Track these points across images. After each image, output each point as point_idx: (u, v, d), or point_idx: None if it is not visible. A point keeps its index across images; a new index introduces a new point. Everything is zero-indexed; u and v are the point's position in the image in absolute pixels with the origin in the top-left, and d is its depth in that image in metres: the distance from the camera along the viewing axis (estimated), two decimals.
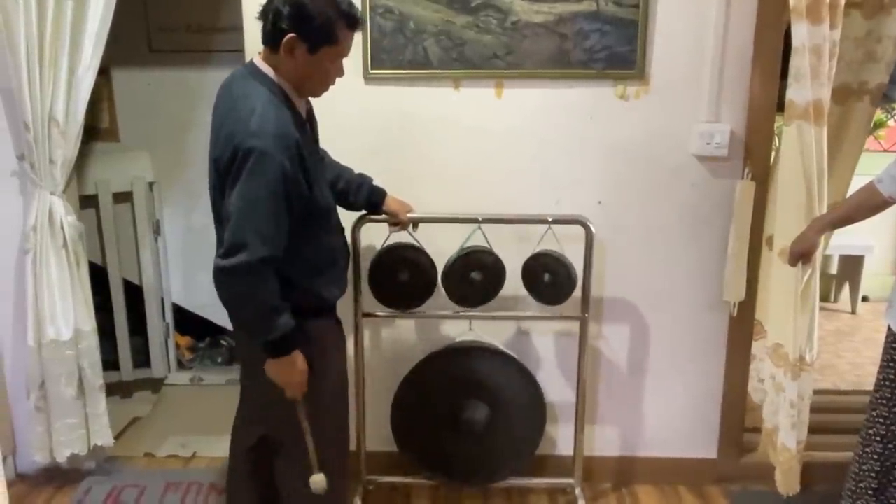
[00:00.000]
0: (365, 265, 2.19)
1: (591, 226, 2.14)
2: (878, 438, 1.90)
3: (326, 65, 1.64)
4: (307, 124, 1.76)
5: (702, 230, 2.31)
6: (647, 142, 2.25)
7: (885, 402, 1.87)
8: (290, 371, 1.68)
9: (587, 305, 2.19)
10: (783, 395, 2.18)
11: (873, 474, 1.92)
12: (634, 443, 2.50)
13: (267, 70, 1.65)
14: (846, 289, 4.35)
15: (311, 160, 1.68)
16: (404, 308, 2.23)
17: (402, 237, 2.16)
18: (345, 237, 1.92)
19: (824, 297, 4.44)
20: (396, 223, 2.11)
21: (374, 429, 2.43)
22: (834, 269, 4.40)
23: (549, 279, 2.17)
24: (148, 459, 2.65)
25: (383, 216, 2.10)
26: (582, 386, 2.27)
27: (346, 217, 2.14)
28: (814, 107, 1.97)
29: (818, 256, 2.08)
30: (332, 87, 2.15)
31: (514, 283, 2.20)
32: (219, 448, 2.59)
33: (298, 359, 1.68)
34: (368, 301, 2.24)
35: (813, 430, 2.54)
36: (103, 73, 2.26)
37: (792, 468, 2.20)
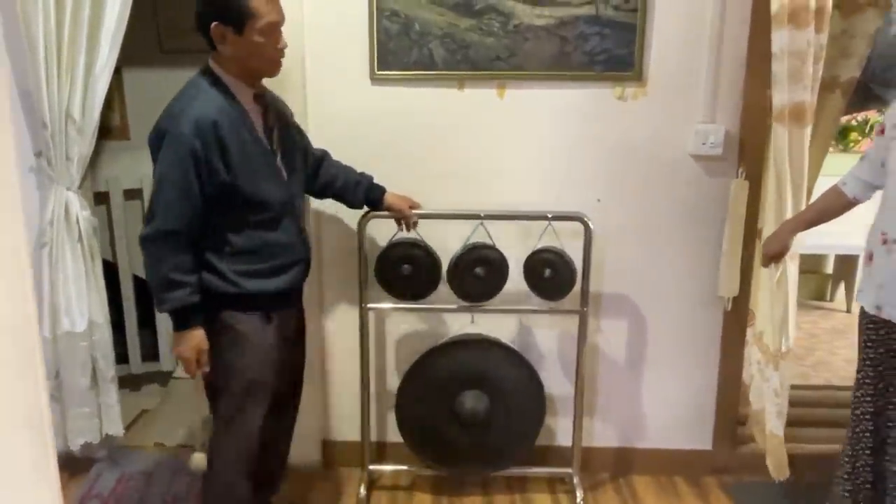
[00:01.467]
0: (371, 260, 2.26)
1: (589, 222, 2.20)
2: (867, 417, 1.96)
3: (259, 40, 1.71)
4: (252, 116, 1.78)
5: (697, 227, 2.37)
6: (645, 141, 2.31)
7: (868, 380, 1.94)
8: (185, 346, 1.76)
9: (586, 300, 2.26)
10: (767, 384, 2.28)
11: (868, 451, 1.98)
12: (632, 434, 2.56)
13: (213, 66, 1.77)
14: (842, 288, 4.40)
15: (242, 149, 1.73)
16: (408, 302, 2.30)
17: (404, 232, 2.22)
18: (295, 236, 1.89)
19: (820, 296, 4.50)
20: (401, 219, 2.16)
21: (377, 419, 2.50)
22: (829, 269, 4.45)
23: (550, 274, 2.23)
24: (158, 449, 2.72)
25: (389, 212, 2.16)
26: (581, 378, 2.33)
27: (353, 213, 2.22)
28: (790, 110, 2.08)
29: (795, 254, 2.19)
30: (339, 87, 2.21)
31: (515, 278, 2.26)
32: None
33: (195, 337, 1.76)
34: (373, 295, 2.31)
35: (807, 423, 2.63)
36: (115, 73, 2.33)
37: (782, 454, 2.29)
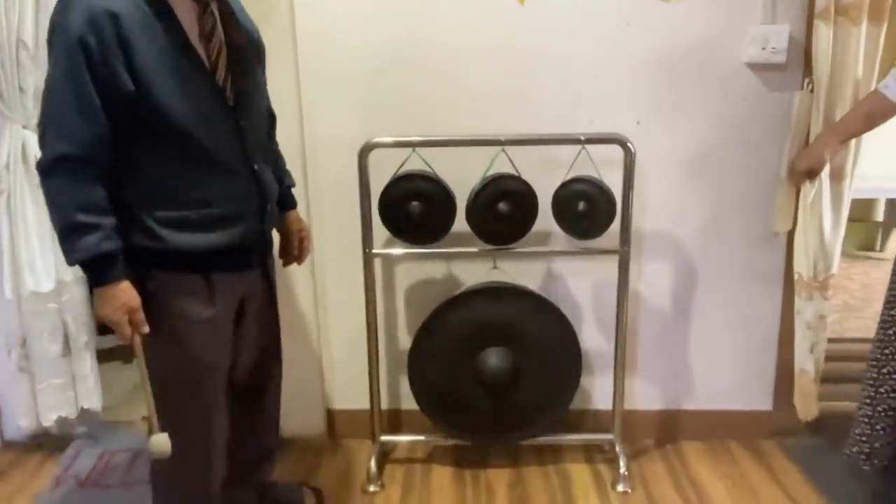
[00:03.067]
0: (375, 195, 1.97)
1: (630, 145, 1.90)
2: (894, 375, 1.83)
3: None
4: (181, 17, 1.42)
5: (755, 150, 2.09)
6: (693, 50, 2.03)
7: None
8: (110, 307, 1.40)
9: (627, 238, 1.97)
10: (799, 316, 2.12)
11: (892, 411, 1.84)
12: (679, 395, 2.31)
13: None
14: (894, 235, 4.12)
15: (158, 55, 1.38)
16: (420, 244, 2.02)
17: (412, 164, 1.92)
18: (245, 180, 1.54)
19: (869, 246, 4.23)
20: (286, 245, 1.79)
21: (388, 384, 2.29)
22: (880, 216, 4.15)
23: (585, 207, 1.94)
24: (146, 424, 2.46)
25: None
26: (622, 331, 2.06)
27: (351, 140, 1.95)
28: (836, 4, 1.88)
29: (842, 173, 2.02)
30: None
31: (543, 216, 1.99)
32: None
33: (121, 292, 1.40)
34: (378, 239, 2.05)
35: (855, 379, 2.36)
36: None
37: (810, 392, 2.14)
